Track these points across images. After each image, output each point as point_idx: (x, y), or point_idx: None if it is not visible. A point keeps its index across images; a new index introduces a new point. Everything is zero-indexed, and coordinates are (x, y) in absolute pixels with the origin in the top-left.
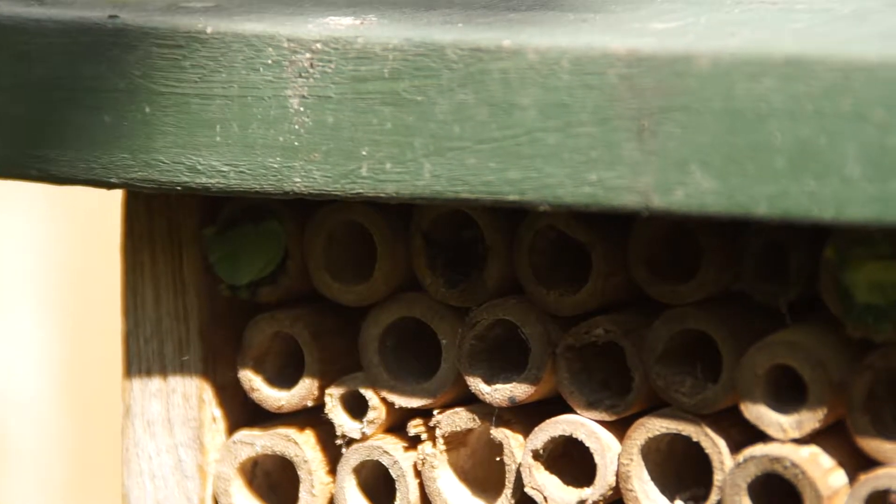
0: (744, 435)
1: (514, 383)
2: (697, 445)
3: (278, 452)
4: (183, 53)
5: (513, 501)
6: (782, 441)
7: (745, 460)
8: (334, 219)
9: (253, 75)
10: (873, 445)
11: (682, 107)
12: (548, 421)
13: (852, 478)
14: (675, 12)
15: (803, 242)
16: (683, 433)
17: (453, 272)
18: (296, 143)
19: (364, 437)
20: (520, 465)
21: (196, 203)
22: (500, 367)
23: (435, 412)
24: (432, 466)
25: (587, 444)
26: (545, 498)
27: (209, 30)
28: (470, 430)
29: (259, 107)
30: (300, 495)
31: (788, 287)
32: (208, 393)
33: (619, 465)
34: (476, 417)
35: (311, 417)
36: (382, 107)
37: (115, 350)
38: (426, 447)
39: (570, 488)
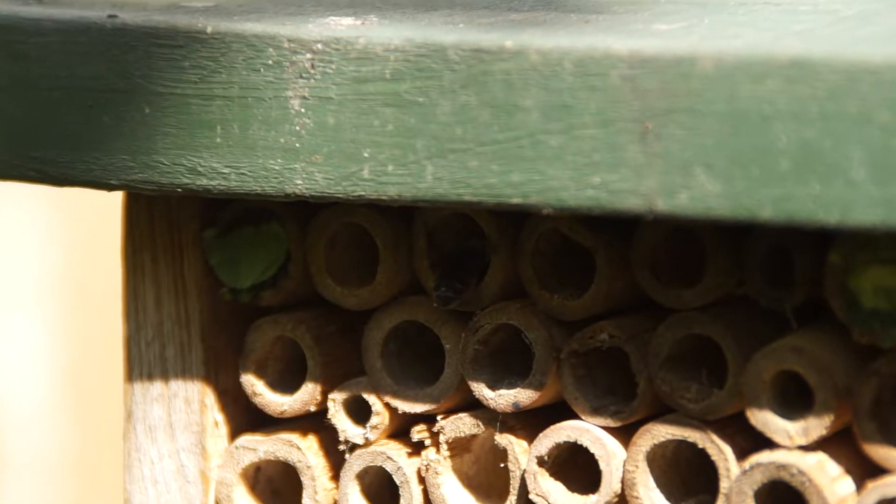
0: (750, 442)
1: (518, 389)
2: (703, 452)
3: (281, 458)
4: (183, 53)
5: None
6: (789, 448)
7: (752, 467)
8: (336, 221)
9: (253, 76)
10: (881, 452)
11: (685, 109)
12: (552, 427)
13: (859, 485)
14: (678, 13)
15: (808, 246)
16: (689, 440)
17: (450, 284)
18: (297, 145)
19: (367, 443)
20: (524, 471)
21: (197, 205)
22: (504, 373)
23: (438, 418)
24: (436, 472)
25: (592, 451)
26: None
27: (209, 30)
28: (474, 436)
29: (260, 108)
30: (303, 501)
31: (794, 292)
32: (210, 397)
33: (624, 472)
34: (480, 423)
35: (314, 423)
36: (384, 108)
37: (118, 354)
38: (430, 453)
39: (575, 495)
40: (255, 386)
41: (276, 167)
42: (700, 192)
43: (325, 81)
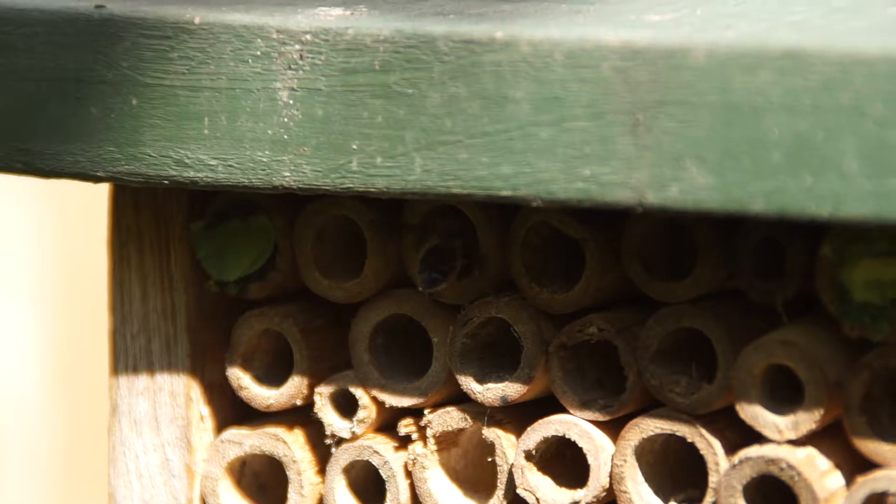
0: (739, 436)
1: (506, 382)
2: (692, 446)
3: (267, 452)
4: (171, 44)
5: (505, 502)
6: (778, 442)
7: (741, 461)
8: (324, 214)
9: (241, 67)
10: (870, 447)
11: (677, 101)
12: (540, 421)
13: (849, 480)
14: (670, 4)
15: (800, 239)
16: (678, 434)
17: (436, 267)
18: (285, 137)
19: (354, 437)
20: (512, 465)
21: (184, 197)
22: (492, 366)
23: (426, 411)
24: (423, 467)
25: (580, 445)
26: (538, 499)
27: (197, 20)
28: (461, 430)
29: (248, 99)
30: (289, 495)
31: (785, 285)
32: (196, 391)
33: (612, 466)
34: (468, 417)
35: (301, 416)
36: (373, 100)
37: (105, 347)
38: (417, 447)
39: (563, 489)
40: (241, 379)
41: (264, 159)
42: (691, 184)
43: (314, 73)
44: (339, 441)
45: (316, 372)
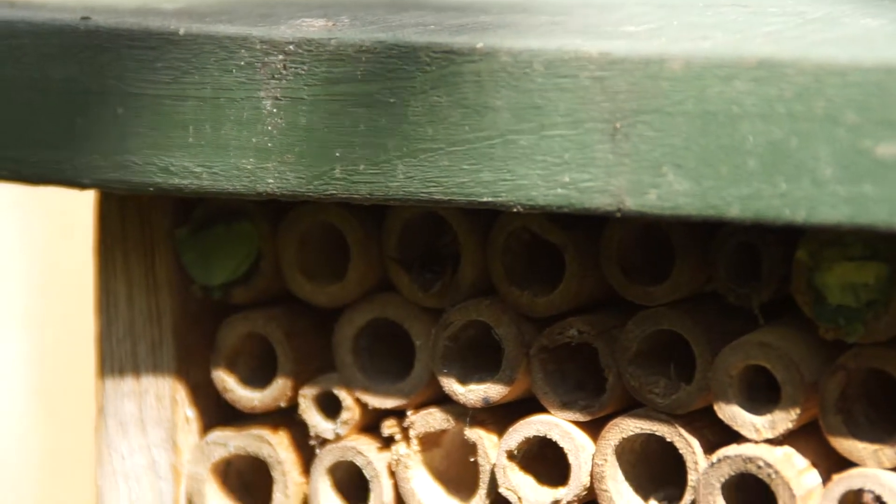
0: (717, 435)
1: (488, 384)
2: (671, 446)
3: (252, 453)
4: (155, 55)
5: (487, 502)
6: (756, 441)
7: (719, 460)
8: (307, 220)
9: (226, 77)
10: (846, 445)
11: (654, 109)
12: (522, 421)
13: (826, 478)
14: (646, 15)
15: (776, 244)
16: (657, 433)
17: (427, 274)
18: (269, 145)
19: (338, 438)
20: (494, 465)
21: (169, 203)
22: (474, 368)
23: (409, 413)
24: (406, 467)
25: (561, 445)
26: (519, 498)
27: (182, 31)
28: (444, 431)
29: (232, 108)
30: (274, 496)
31: (761, 288)
32: (181, 393)
33: (593, 466)
34: (450, 418)
35: (285, 418)
36: (355, 108)
37: (85, 350)
38: (400, 447)
39: (545, 488)
40: (226, 381)
41: (249, 166)
42: (669, 190)
43: (297, 82)
44: (324, 442)
45: (300, 374)
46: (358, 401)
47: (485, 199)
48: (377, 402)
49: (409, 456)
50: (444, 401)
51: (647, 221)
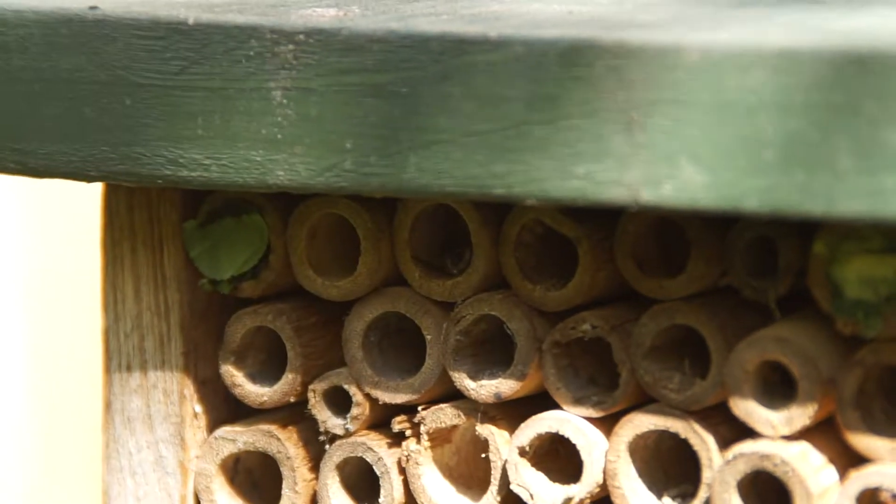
0: (732, 432)
1: (499, 379)
2: (685, 442)
3: (260, 449)
4: (164, 45)
5: (498, 499)
6: (772, 438)
7: (735, 457)
8: (318, 213)
9: (235, 67)
10: (864, 442)
11: (671, 99)
12: (534, 417)
13: (843, 475)
14: (662, 4)
15: (793, 237)
16: (671, 430)
17: (451, 254)
18: (279, 136)
19: (347, 434)
20: (505, 461)
21: (177, 196)
22: (486, 363)
23: (419, 408)
24: (417, 463)
25: (574, 441)
26: (531, 495)
27: (191, 21)
28: (455, 427)
29: (241, 99)
30: (283, 492)
31: (777, 282)
32: (189, 388)
33: (606, 462)
34: (461, 414)
35: (294, 413)
36: (367, 99)
37: (82, 347)
38: (410, 444)
39: (557, 485)
40: (234, 377)
41: (258, 158)
42: (685, 182)
43: (308, 72)
44: (333, 438)
45: (309, 369)
46: (368, 396)
47: (498, 192)
48: (387, 397)
49: (419, 452)
50: (454, 396)
51: (663, 214)
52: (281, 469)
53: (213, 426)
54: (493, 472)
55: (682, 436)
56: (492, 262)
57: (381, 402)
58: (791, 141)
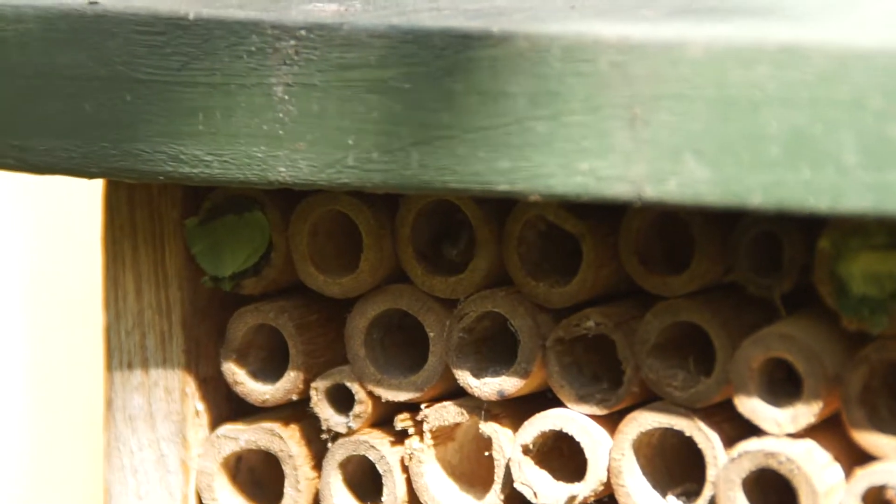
0: (737, 429)
1: (503, 377)
2: (690, 440)
3: (263, 447)
4: (164, 40)
5: (502, 497)
6: (777, 436)
7: (740, 455)
8: (320, 209)
9: (236, 63)
10: (869, 440)
11: (674, 95)
12: (538, 415)
13: (848, 473)
14: None
15: (797, 233)
16: (676, 427)
17: (449, 239)
18: (280, 132)
19: (350, 432)
20: (509, 459)
21: (178, 193)
22: (489, 361)
23: (422, 406)
24: (420, 461)
25: (578, 439)
26: (535, 493)
27: (191, 16)
28: (458, 425)
29: (243, 95)
30: (285, 490)
31: (782, 279)
32: (191, 386)
33: (610, 460)
34: (464, 411)
35: (297, 411)
36: (369, 95)
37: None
38: (413, 442)
39: (561, 483)
40: (236, 375)
41: (260, 154)
42: (689, 178)
43: (309, 68)
44: (336, 436)
45: (311, 367)
46: (371, 394)
47: (501, 188)
48: (390, 395)
49: (422, 450)
50: (457, 394)
51: (667, 210)
52: (283, 467)
53: (214, 424)
54: (496, 470)
55: (687, 433)
56: (495, 259)
57: (383, 400)
58: (796, 136)
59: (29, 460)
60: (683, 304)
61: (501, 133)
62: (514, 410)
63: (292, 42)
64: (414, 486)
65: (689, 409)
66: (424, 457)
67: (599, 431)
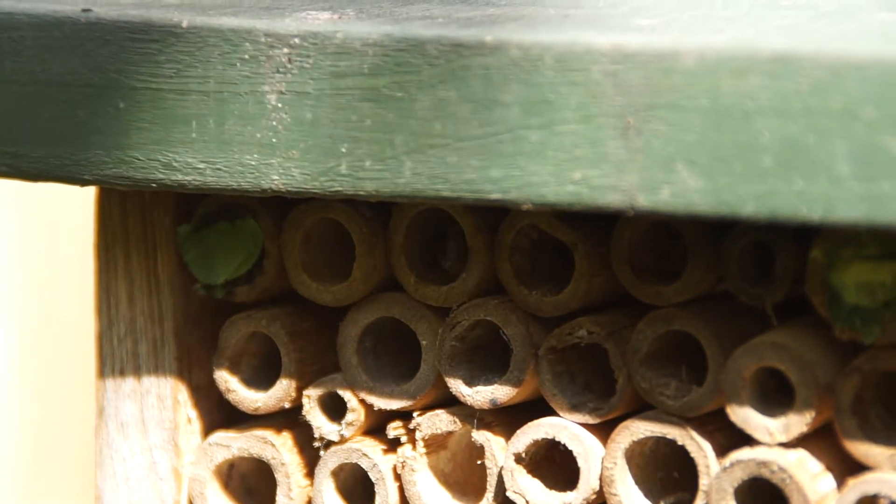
0: (730, 439)
1: (495, 385)
2: (682, 449)
3: (255, 455)
4: (158, 48)
5: None
6: (769, 445)
7: (732, 464)
8: (312, 217)
9: (230, 70)
10: (861, 449)
11: (668, 104)
12: (530, 424)
13: (840, 482)
14: (658, 8)
15: (790, 243)
16: (668, 436)
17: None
18: (274, 140)
19: (342, 440)
20: (501, 468)
21: (171, 200)
22: (482, 369)
23: (415, 414)
24: (412, 469)
25: (570, 448)
26: (527, 502)
27: (185, 24)
28: (450, 433)
29: (236, 102)
30: (277, 499)
31: (774, 288)
32: (183, 394)
33: (602, 469)
34: (457, 420)
35: (289, 419)
36: (362, 103)
37: (73, 352)
38: (406, 450)
39: (553, 492)
40: (228, 382)
41: (253, 162)
42: (682, 187)
43: (303, 76)
44: (328, 444)
45: (304, 375)
46: (363, 402)
47: (494, 197)
48: (382, 403)
49: (414, 458)
50: (450, 402)
51: (660, 219)
52: (275, 475)
53: (207, 432)
54: (488, 478)
55: (679, 442)
56: (487, 268)
57: (376, 408)
58: (788, 146)
59: (20, 468)
60: (676, 313)
61: (494, 142)
62: (507, 419)
63: (286, 50)
64: (406, 494)
65: (681, 419)
66: (417, 465)
67: (592, 440)
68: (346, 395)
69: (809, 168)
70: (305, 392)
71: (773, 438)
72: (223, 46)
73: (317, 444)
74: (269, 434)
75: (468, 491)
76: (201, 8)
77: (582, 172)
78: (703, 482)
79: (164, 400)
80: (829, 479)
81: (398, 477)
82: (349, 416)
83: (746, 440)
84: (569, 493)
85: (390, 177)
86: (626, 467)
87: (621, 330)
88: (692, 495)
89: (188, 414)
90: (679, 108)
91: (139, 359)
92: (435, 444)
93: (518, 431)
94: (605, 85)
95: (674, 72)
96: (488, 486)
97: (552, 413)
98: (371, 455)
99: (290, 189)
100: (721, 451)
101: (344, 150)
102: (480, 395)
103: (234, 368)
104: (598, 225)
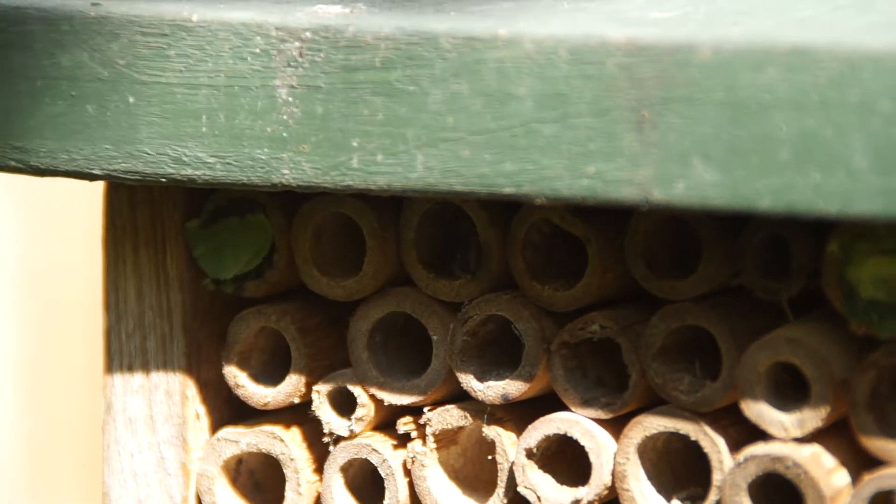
0: (743, 434)
1: (507, 380)
2: (695, 444)
3: (264, 450)
4: (168, 42)
5: (505, 501)
6: (784, 440)
7: (746, 460)
8: (323, 212)
9: (240, 64)
10: (877, 444)
11: (683, 97)
12: (542, 419)
13: (855, 478)
14: (673, 1)
15: (806, 237)
16: (681, 432)
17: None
18: (284, 135)
19: (352, 435)
20: (512, 463)
21: (180, 195)
22: (493, 364)
23: (425, 409)
24: (422, 465)
25: (582, 443)
26: (539, 497)
27: (195, 18)
28: (461, 428)
29: (246, 97)
30: (286, 494)
31: (790, 282)
32: (192, 389)
33: (615, 465)
34: (468, 415)
35: (298, 415)
36: (374, 97)
37: (80, 348)
38: (416, 445)
39: (565, 488)
40: (237, 377)
41: (263, 157)
42: (697, 181)
43: (314, 70)
44: (338, 439)
45: (314, 370)
46: (373, 397)
47: (507, 191)
48: (393, 398)
49: (425, 454)
50: (461, 397)
51: (674, 213)
52: (284, 471)
53: (215, 427)
54: (499, 474)
55: (693, 438)
56: (499, 262)
57: (386, 404)
58: (805, 139)
59: (27, 464)
60: (690, 307)
61: (507, 136)
62: (518, 414)
63: (297, 44)
64: (416, 489)
65: (694, 414)
66: (427, 460)
67: (604, 435)
68: (356, 390)
69: (827, 161)
70: (315, 387)
71: (788, 434)
72: (234, 40)
73: (326, 439)
74: (278, 429)
75: (479, 486)
76: (212, 1)
77: (596, 166)
78: (717, 477)
79: (172, 395)
80: (843, 475)
81: (408, 472)
82: (359, 412)
83: (760, 435)
84: (581, 488)
85: (402, 171)
86: (639, 463)
87: (634, 325)
88: (705, 491)
89: (197, 409)
90: (695, 101)
91: (147, 354)
92: (445, 439)
93: (529, 427)
94: (620, 78)
95: (689, 65)
96: (499, 482)
97: (564, 408)
98: (381, 450)
99: (300, 184)
100: (735, 447)
101: (355, 144)
102: (492, 390)
103: (244, 364)
104: (611, 219)
